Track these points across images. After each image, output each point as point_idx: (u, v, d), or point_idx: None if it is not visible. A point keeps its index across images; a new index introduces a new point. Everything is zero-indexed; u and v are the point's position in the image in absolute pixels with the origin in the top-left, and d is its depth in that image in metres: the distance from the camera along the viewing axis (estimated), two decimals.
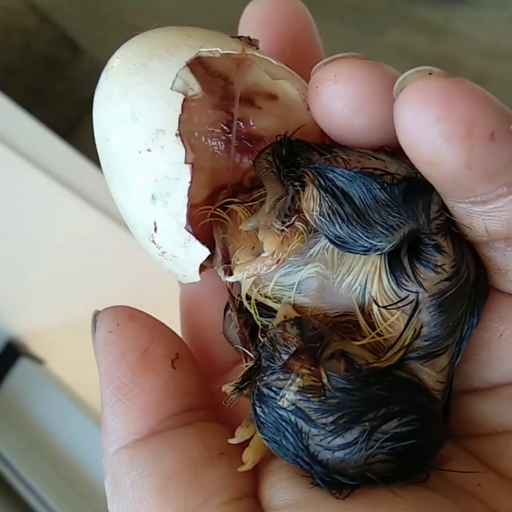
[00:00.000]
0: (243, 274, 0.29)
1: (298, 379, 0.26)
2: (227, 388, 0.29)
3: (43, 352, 0.94)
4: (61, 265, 0.95)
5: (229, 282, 0.31)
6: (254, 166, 0.31)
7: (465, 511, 0.26)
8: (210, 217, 0.32)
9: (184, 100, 0.28)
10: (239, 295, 0.32)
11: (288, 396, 0.26)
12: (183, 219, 0.29)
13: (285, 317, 0.29)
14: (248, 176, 0.33)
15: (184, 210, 0.28)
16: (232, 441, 0.29)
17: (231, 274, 0.30)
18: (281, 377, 0.26)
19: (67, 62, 1.41)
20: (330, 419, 0.26)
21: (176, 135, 0.28)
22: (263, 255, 0.28)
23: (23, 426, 0.89)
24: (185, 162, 0.28)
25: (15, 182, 0.97)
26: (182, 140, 0.28)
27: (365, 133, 0.28)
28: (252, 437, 0.29)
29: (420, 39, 1.23)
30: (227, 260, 0.31)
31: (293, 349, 0.27)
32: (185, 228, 0.29)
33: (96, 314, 0.32)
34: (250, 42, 0.30)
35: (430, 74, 0.24)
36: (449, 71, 0.24)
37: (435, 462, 0.28)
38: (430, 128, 0.23)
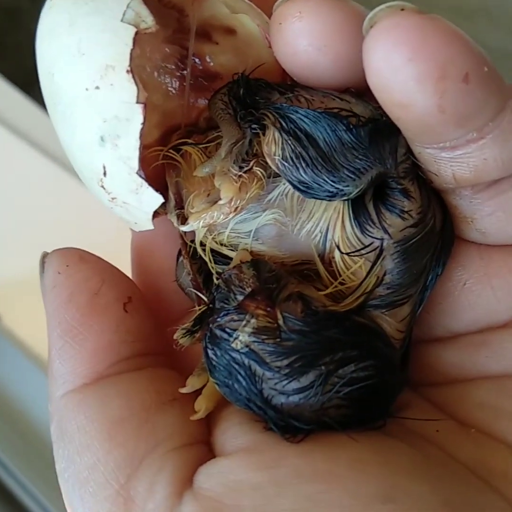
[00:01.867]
0: (199, 223, 0.28)
1: (253, 320, 0.25)
2: (179, 333, 0.28)
3: None
4: (16, 218, 0.93)
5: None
6: (209, 107, 0.30)
7: (422, 456, 0.26)
8: (162, 159, 0.30)
9: (136, 33, 0.26)
10: (192, 241, 0.31)
11: (242, 338, 0.25)
12: (135, 164, 0.27)
13: (241, 262, 0.29)
14: (204, 116, 0.32)
15: (135, 154, 0.27)
16: (183, 390, 0.29)
17: (184, 220, 0.29)
18: (235, 318, 0.26)
19: (26, 10, 1.36)
20: (285, 362, 0.25)
21: (127, 72, 0.26)
22: (220, 202, 0.27)
23: None
24: (137, 102, 0.26)
25: None
26: (133, 78, 0.26)
27: (330, 73, 0.27)
28: (204, 386, 0.29)
29: None
30: (180, 205, 0.29)
31: (249, 290, 0.26)
32: (137, 173, 0.27)
33: (45, 255, 0.31)
34: None
35: (402, 10, 0.23)
36: None
37: (393, 409, 0.28)
38: (401, 68, 0.22)
